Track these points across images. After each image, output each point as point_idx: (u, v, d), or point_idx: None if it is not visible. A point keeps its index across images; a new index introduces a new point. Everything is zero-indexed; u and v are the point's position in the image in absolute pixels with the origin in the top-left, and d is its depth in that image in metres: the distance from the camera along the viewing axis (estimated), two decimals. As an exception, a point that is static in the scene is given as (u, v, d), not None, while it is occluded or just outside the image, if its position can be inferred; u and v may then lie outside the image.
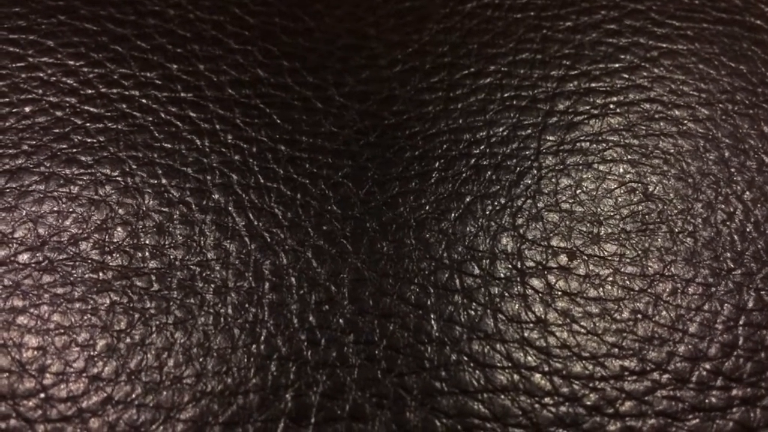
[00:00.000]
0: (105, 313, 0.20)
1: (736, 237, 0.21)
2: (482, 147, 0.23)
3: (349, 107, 0.23)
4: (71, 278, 0.20)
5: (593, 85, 0.24)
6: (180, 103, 0.23)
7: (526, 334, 0.20)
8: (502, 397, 0.19)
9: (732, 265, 0.21)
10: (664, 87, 0.24)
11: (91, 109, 0.23)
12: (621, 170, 0.22)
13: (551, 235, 0.21)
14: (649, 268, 0.21)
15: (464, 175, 0.22)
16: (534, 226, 0.21)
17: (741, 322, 0.20)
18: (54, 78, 0.24)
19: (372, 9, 0.26)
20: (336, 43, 0.25)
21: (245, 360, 0.19)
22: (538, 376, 0.19)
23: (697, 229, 0.21)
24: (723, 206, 0.22)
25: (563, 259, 0.21)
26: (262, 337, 0.20)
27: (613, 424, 0.19)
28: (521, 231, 0.21)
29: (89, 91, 0.24)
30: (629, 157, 0.22)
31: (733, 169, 0.22)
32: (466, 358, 0.19)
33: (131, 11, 0.25)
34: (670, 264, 0.21)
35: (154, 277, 0.20)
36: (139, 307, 0.20)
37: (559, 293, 0.20)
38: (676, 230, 0.21)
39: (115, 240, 0.21)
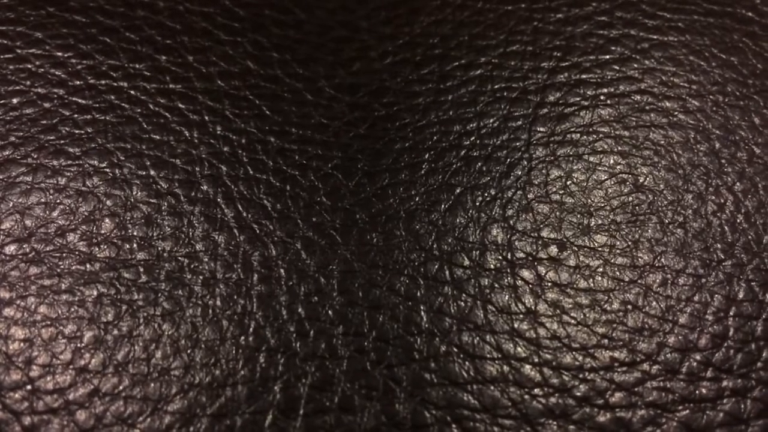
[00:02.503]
0: (92, 304, 0.20)
1: (726, 228, 0.21)
2: (473, 138, 0.23)
3: (340, 99, 0.23)
4: (58, 270, 0.20)
5: (584, 76, 0.24)
6: (169, 94, 0.23)
7: (516, 325, 0.20)
8: (492, 388, 0.19)
9: (722, 256, 0.21)
10: (654, 78, 0.24)
11: (80, 101, 0.23)
12: (611, 161, 0.22)
13: (541, 226, 0.21)
14: (640, 259, 0.21)
15: (454, 166, 0.22)
16: (524, 217, 0.21)
17: (731, 313, 0.20)
18: (42, 69, 0.24)
19: (363, 1, 0.26)
20: (327, 35, 0.25)
21: (234, 352, 0.19)
22: (527, 367, 0.19)
23: (688, 220, 0.21)
24: (713, 197, 0.22)
25: (553, 250, 0.21)
26: (251, 329, 0.19)
27: (603, 415, 0.18)
28: (511, 222, 0.21)
29: (77, 83, 0.23)
30: (620, 148, 0.22)
31: (723, 161, 0.22)
32: (455, 350, 0.19)
33: (120, 3, 0.25)
34: (660, 255, 0.21)
35: (142, 269, 0.20)
36: (127, 298, 0.20)
37: (549, 284, 0.20)
38: (667, 221, 0.21)
39: (102, 231, 0.21)
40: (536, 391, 0.19)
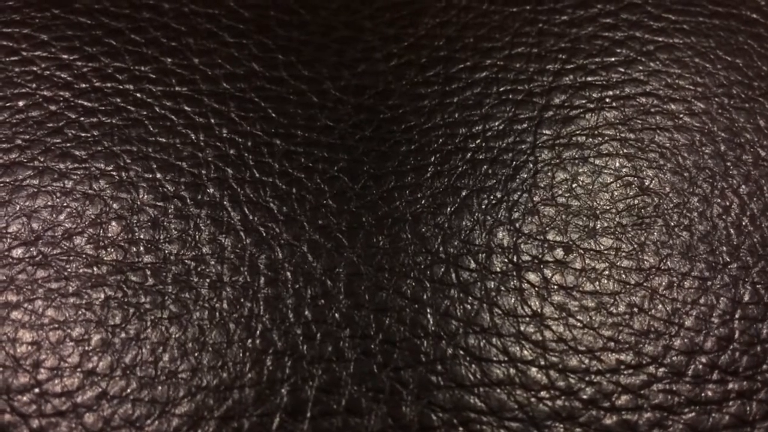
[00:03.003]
0: (100, 307, 0.20)
1: (732, 231, 0.21)
2: (478, 141, 0.23)
3: (345, 101, 0.23)
4: (65, 273, 0.20)
5: (589, 79, 0.24)
6: (175, 97, 0.23)
7: (522, 328, 0.20)
8: (499, 391, 0.19)
9: (728, 259, 0.21)
10: (660, 81, 0.24)
11: (85, 103, 0.23)
12: (617, 164, 0.22)
13: (547, 229, 0.21)
14: (645, 262, 0.21)
15: (460, 169, 0.22)
16: (530, 220, 0.21)
17: (737, 316, 0.20)
18: (48, 72, 0.24)
19: (368, 2, 0.26)
20: (331, 36, 0.25)
21: (241, 355, 0.19)
22: (534, 370, 0.19)
23: (693, 223, 0.21)
24: (719, 200, 0.22)
25: (559, 253, 0.21)
26: (258, 332, 0.19)
27: (610, 417, 0.19)
28: (517, 225, 0.21)
29: (83, 85, 0.23)
30: (625, 151, 0.22)
31: (729, 163, 0.22)
32: (462, 352, 0.19)
33: (126, 4, 0.25)
34: (666, 258, 0.21)
35: (149, 272, 0.20)
36: (134, 301, 0.20)
37: (556, 287, 0.20)
38: (672, 224, 0.21)
39: (109, 235, 0.21)
40: (543, 393, 0.19)
